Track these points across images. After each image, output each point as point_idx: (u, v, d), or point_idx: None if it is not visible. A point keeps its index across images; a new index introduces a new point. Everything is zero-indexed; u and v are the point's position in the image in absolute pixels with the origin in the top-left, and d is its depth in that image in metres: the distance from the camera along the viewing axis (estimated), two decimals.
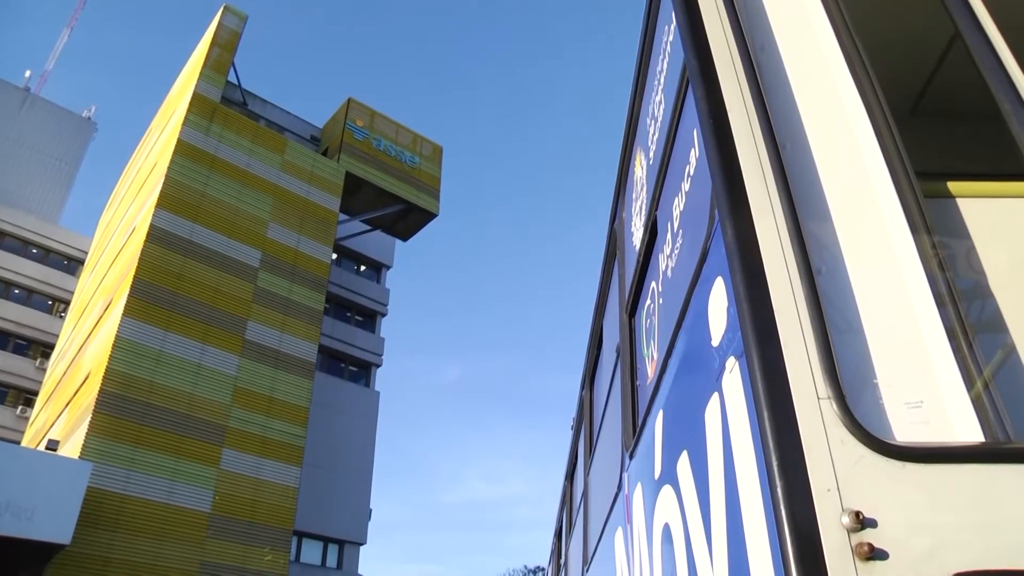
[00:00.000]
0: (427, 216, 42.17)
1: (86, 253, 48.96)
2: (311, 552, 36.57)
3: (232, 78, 37.95)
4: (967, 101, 3.22)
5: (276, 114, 40.97)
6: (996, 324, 2.05)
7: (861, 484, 1.51)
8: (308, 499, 32.47)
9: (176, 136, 32.50)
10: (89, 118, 65.65)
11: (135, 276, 28.94)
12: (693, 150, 2.38)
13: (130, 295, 28.54)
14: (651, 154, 3.17)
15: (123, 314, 28.13)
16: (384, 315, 44.54)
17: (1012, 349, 1.99)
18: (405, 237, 44.10)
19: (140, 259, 29.30)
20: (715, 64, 2.25)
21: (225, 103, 36.04)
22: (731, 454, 1.82)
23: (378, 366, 42.93)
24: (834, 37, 2.30)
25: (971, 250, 2.18)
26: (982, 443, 1.65)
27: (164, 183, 31.15)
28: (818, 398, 1.61)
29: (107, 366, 27.07)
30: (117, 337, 27.66)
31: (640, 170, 3.49)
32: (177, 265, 30.25)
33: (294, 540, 32.02)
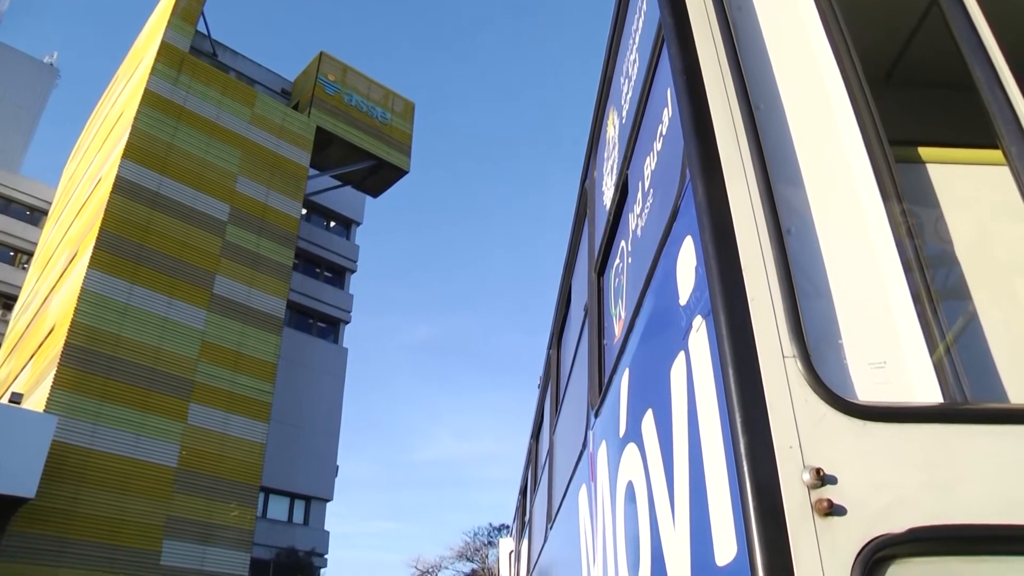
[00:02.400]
0: (398, 173, 41.88)
1: (49, 203, 48.01)
2: (278, 508, 36.77)
3: (201, 27, 37.14)
4: (942, 70, 3.23)
5: (246, 66, 40.21)
6: (960, 291, 2.08)
7: (823, 442, 1.54)
8: (275, 455, 32.52)
9: (143, 86, 31.82)
10: (51, 64, 63.66)
11: (101, 228, 28.50)
12: (666, 109, 2.37)
13: (96, 247, 28.12)
14: (624, 113, 3.15)
15: (89, 266, 27.74)
16: (353, 271, 44.40)
17: (974, 315, 2.02)
18: (375, 193, 43.80)
19: (106, 210, 28.82)
20: (691, 23, 2.23)
21: (194, 53, 35.30)
22: (695, 412, 1.83)
23: (347, 323, 42.89)
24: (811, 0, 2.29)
25: (940, 216, 2.20)
26: (941, 404, 1.67)
27: (131, 133, 30.55)
28: (783, 356, 1.62)
29: (72, 319, 26.76)
30: (83, 290, 27.30)
31: (612, 129, 3.47)
32: (144, 217, 29.80)
33: (261, 496, 32.12)
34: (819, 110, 2.13)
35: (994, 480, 1.52)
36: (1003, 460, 1.54)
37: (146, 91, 31.60)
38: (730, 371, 1.61)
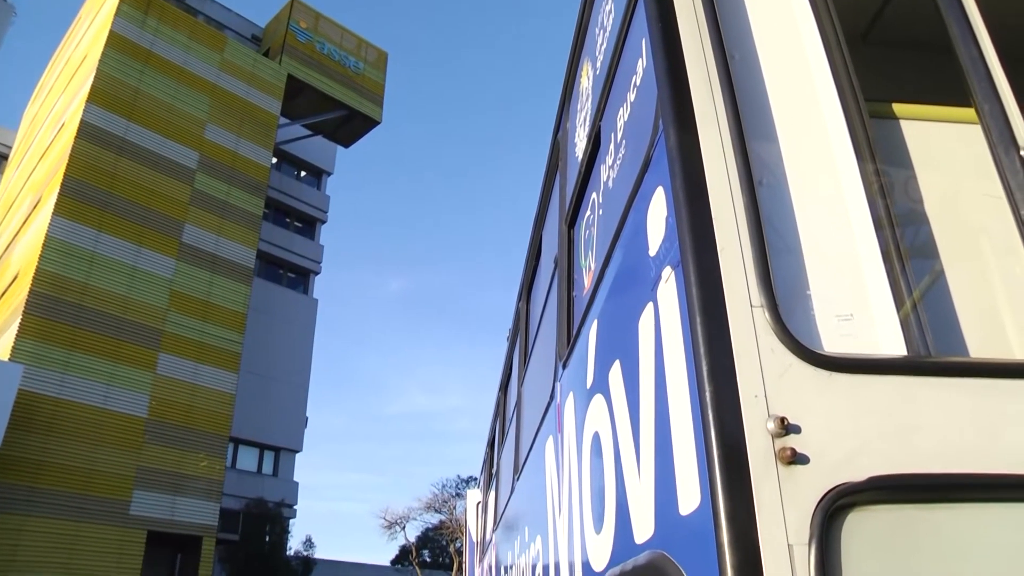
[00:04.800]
0: (370, 123, 41.43)
1: (10, 147, 46.86)
2: (247, 459, 36.89)
3: None
4: (919, 29, 3.23)
5: (215, 10, 39.29)
6: (928, 247, 2.09)
7: (788, 391, 1.55)
8: (244, 406, 32.54)
9: (108, 27, 30.97)
10: (6, 0, 61.17)
11: (65, 174, 27.93)
12: (641, 60, 2.34)
13: (60, 193, 27.59)
14: (598, 64, 3.11)
15: (53, 213, 27.25)
16: (324, 222, 44.11)
17: (941, 272, 2.03)
18: (347, 143, 43.34)
19: (71, 156, 28.22)
20: None
21: None
22: (662, 363, 1.84)
23: (317, 273, 42.73)
24: None
25: (911, 173, 2.20)
26: (905, 357, 1.69)
27: (95, 77, 29.81)
28: (751, 306, 1.62)
29: (37, 266, 26.35)
30: (47, 236, 26.85)
31: (586, 80, 3.43)
32: (110, 164, 29.23)
33: (230, 446, 32.17)
34: (795, 64, 2.11)
35: (952, 430, 1.54)
36: (961, 411, 1.56)
37: (111, 33, 30.78)
38: (697, 320, 1.62)
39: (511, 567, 5.83)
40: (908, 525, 1.46)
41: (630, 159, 2.38)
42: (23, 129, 44.09)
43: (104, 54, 30.35)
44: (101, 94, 29.81)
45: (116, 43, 30.89)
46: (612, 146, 2.70)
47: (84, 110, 29.12)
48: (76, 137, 28.58)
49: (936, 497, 1.50)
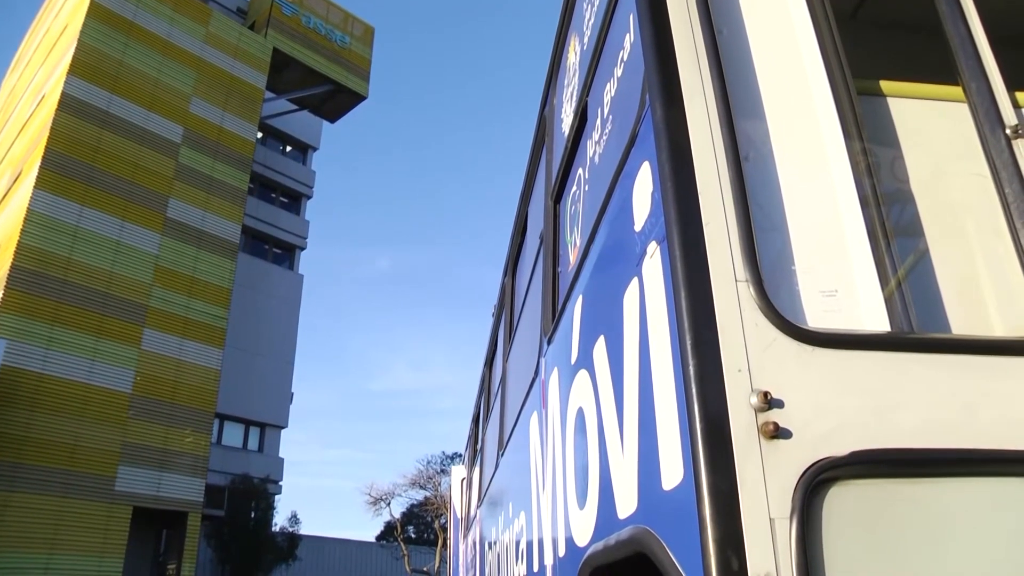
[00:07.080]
0: (356, 98, 41.12)
1: None
2: (232, 434, 36.87)
3: None
4: (908, 8, 3.23)
5: None
6: (913, 225, 2.09)
7: (771, 366, 1.55)
8: (230, 381, 32.45)
9: None
10: None
11: (47, 147, 27.56)
12: (628, 35, 2.32)
13: (42, 167, 27.25)
14: (585, 39, 3.09)
15: (35, 186, 26.93)
16: (310, 197, 43.88)
17: (925, 249, 2.04)
18: (333, 119, 43.04)
19: (52, 129, 27.83)
20: None
21: None
22: (647, 338, 1.84)
23: (302, 249, 42.53)
24: None
25: (898, 151, 2.20)
26: (888, 333, 1.70)
27: (76, 48, 29.35)
28: (736, 280, 1.62)
29: (19, 241, 26.08)
30: (29, 211, 26.55)
31: (573, 56, 3.41)
32: (93, 137, 28.88)
33: (216, 422, 32.11)
34: (783, 40, 2.10)
35: (932, 406, 1.55)
36: (942, 387, 1.57)
37: (92, 3, 30.28)
38: (682, 294, 1.61)
39: (495, 543, 5.86)
40: (889, 499, 1.47)
41: (616, 134, 2.37)
42: (1, 100, 43.51)
43: (85, 24, 29.87)
44: (83, 66, 29.38)
45: (97, 13, 30.40)
46: (599, 121, 2.68)
47: (65, 82, 28.70)
48: (57, 110, 28.18)
49: (917, 472, 1.51)
